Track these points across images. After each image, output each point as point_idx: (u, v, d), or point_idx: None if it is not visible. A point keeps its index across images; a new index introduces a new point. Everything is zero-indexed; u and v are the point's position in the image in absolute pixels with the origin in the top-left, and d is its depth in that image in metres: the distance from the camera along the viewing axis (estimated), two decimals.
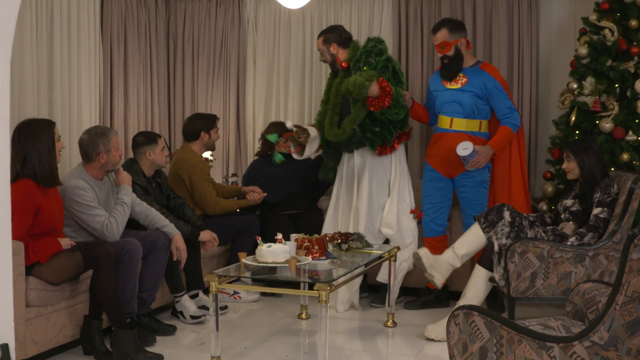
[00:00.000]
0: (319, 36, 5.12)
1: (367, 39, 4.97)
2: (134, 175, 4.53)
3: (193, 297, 4.71)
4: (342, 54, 4.99)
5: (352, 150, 4.98)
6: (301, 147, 5.03)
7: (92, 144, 4.09)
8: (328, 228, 4.99)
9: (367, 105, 4.66)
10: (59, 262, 3.71)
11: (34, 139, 3.70)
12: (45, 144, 3.72)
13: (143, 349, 3.84)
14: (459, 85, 4.79)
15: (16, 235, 3.47)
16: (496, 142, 4.73)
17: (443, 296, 4.96)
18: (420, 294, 5.04)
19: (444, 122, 4.87)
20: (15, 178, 3.62)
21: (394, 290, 4.74)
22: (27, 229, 3.62)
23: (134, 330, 3.82)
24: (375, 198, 4.92)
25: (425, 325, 4.36)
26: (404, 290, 5.17)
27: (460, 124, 4.81)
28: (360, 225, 4.82)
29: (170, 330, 4.30)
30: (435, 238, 4.93)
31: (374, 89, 4.59)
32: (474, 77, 4.79)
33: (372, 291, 5.22)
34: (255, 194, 5.35)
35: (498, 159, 4.91)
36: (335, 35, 5.03)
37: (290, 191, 5.52)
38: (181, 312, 4.57)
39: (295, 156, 5.11)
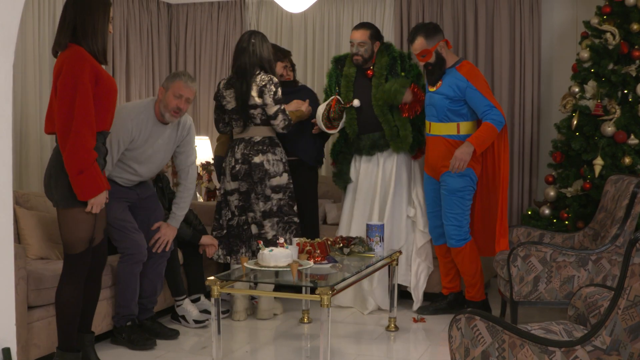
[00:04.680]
0: (361, 27, 4.84)
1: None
2: None
3: (194, 301, 4.70)
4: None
5: (373, 154, 4.90)
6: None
7: None
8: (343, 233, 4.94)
9: (400, 111, 4.76)
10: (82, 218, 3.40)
11: (90, 9, 3.36)
12: (103, 17, 3.39)
13: None
14: (434, 88, 4.63)
15: (87, 114, 3.23)
16: (476, 137, 4.51)
17: (456, 303, 4.83)
18: (434, 300, 4.91)
19: (426, 126, 4.78)
20: (65, 46, 3.34)
21: (418, 294, 4.82)
22: (91, 107, 3.26)
23: (79, 354, 3.55)
24: (398, 209, 4.89)
25: (427, 329, 4.33)
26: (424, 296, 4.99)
27: (435, 128, 4.66)
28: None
29: (174, 334, 4.27)
30: (441, 247, 4.81)
31: (407, 96, 4.73)
32: (447, 78, 4.59)
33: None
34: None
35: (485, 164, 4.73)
36: (378, 33, 4.86)
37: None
38: (183, 317, 4.56)
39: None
